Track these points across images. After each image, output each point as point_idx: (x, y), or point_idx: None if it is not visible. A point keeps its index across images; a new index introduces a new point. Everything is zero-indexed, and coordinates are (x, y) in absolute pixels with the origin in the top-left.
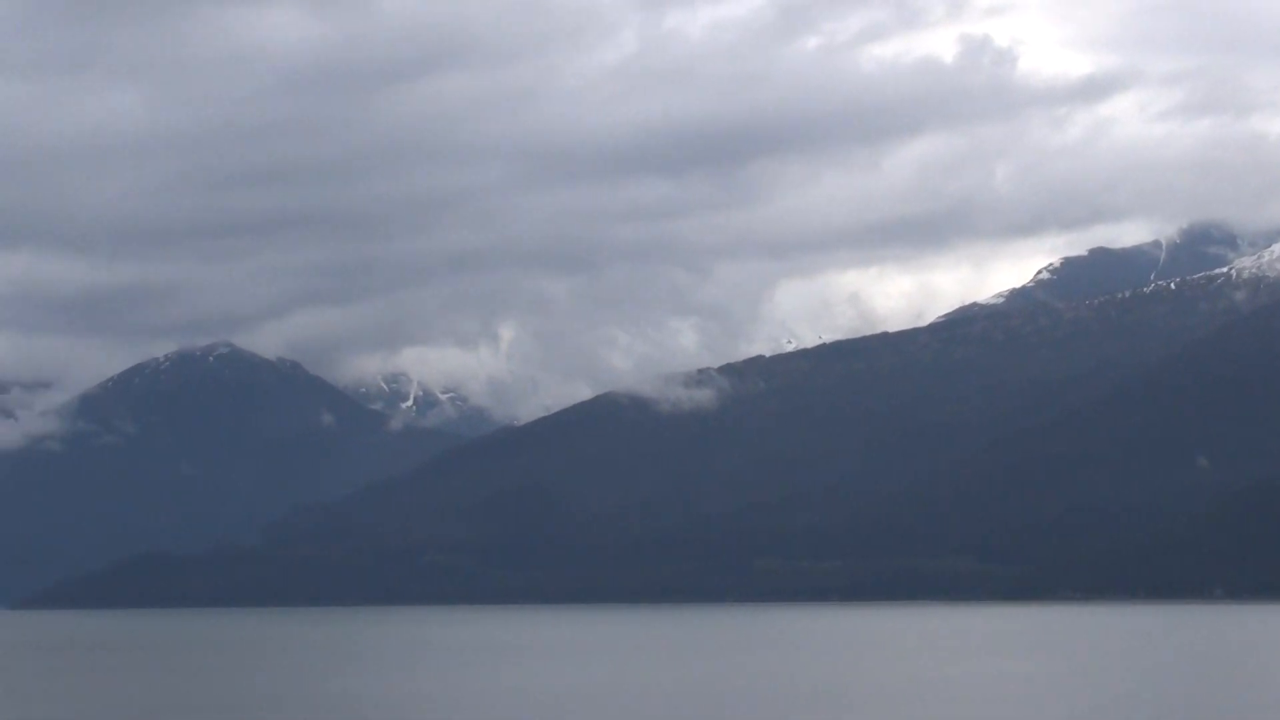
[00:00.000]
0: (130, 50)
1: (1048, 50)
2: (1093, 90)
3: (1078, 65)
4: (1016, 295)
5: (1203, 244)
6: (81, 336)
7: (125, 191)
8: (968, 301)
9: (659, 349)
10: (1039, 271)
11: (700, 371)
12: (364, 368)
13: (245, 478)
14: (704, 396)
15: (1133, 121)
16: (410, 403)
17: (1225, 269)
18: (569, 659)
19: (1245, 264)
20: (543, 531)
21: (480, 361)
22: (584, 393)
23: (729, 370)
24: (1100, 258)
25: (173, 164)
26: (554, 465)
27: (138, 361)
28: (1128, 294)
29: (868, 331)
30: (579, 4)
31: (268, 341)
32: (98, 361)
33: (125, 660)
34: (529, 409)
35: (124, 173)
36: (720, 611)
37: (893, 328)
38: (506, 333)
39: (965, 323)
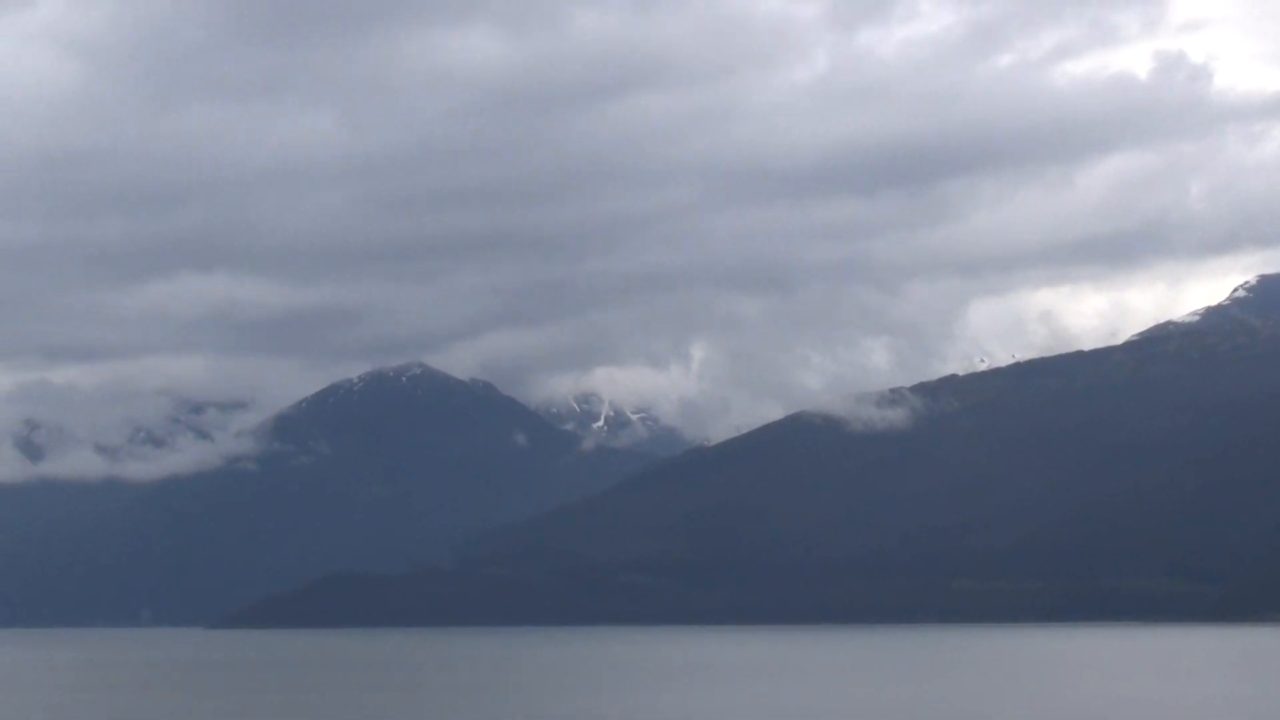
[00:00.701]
0: (325, 73)
1: (1243, 65)
2: None
3: (1274, 80)
4: (1212, 313)
5: None
6: (276, 358)
7: (320, 213)
8: (1162, 320)
9: (851, 368)
10: (1235, 289)
11: (893, 391)
12: (556, 388)
13: (437, 498)
14: (897, 416)
15: None
16: (601, 423)
17: None
18: (792, 679)
19: None
20: (735, 552)
21: (672, 381)
22: (775, 412)
23: (922, 389)
24: None
25: (367, 186)
26: (746, 485)
27: (332, 382)
28: None
29: (1061, 350)
30: (771, 24)
31: (460, 362)
32: (292, 382)
33: (345, 679)
34: (720, 429)
35: (319, 195)
36: (915, 632)
37: (1086, 346)
38: (698, 352)
39: (1160, 341)
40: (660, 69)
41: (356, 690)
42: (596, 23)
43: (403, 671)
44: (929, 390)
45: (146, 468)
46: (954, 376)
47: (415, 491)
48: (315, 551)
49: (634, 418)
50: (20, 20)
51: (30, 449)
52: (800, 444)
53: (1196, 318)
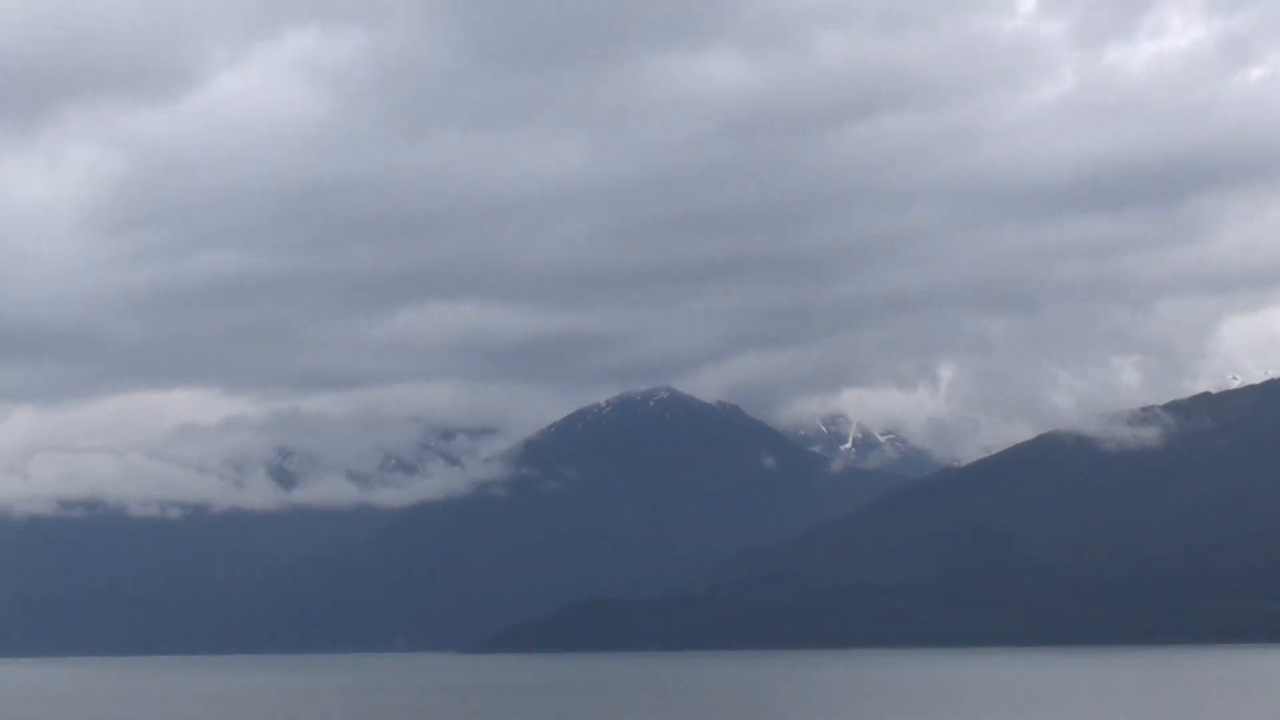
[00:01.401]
0: (572, 100)
1: None
2: None
3: None
4: None
5: None
6: (525, 384)
7: (567, 240)
8: None
9: (1101, 387)
10: None
11: (1144, 409)
12: (803, 410)
13: (686, 522)
14: (1149, 435)
15: None
16: (849, 444)
17: None
18: (1060, 702)
19: None
20: (989, 573)
21: (919, 402)
22: (1025, 433)
23: (1174, 408)
24: None
25: (614, 211)
26: (998, 506)
27: (580, 407)
28: None
29: None
30: (1017, 42)
31: (707, 385)
32: (541, 408)
33: (607, 703)
34: (969, 449)
35: (566, 221)
36: (1171, 653)
37: None
38: (946, 373)
39: None
40: (906, 89)
41: (619, 714)
42: (841, 44)
43: (661, 696)
44: (1182, 408)
45: (397, 494)
46: (1207, 394)
47: (664, 515)
48: (565, 576)
49: (882, 439)
50: (270, 53)
51: (283, 477)
52: (1051, 464)
53: None
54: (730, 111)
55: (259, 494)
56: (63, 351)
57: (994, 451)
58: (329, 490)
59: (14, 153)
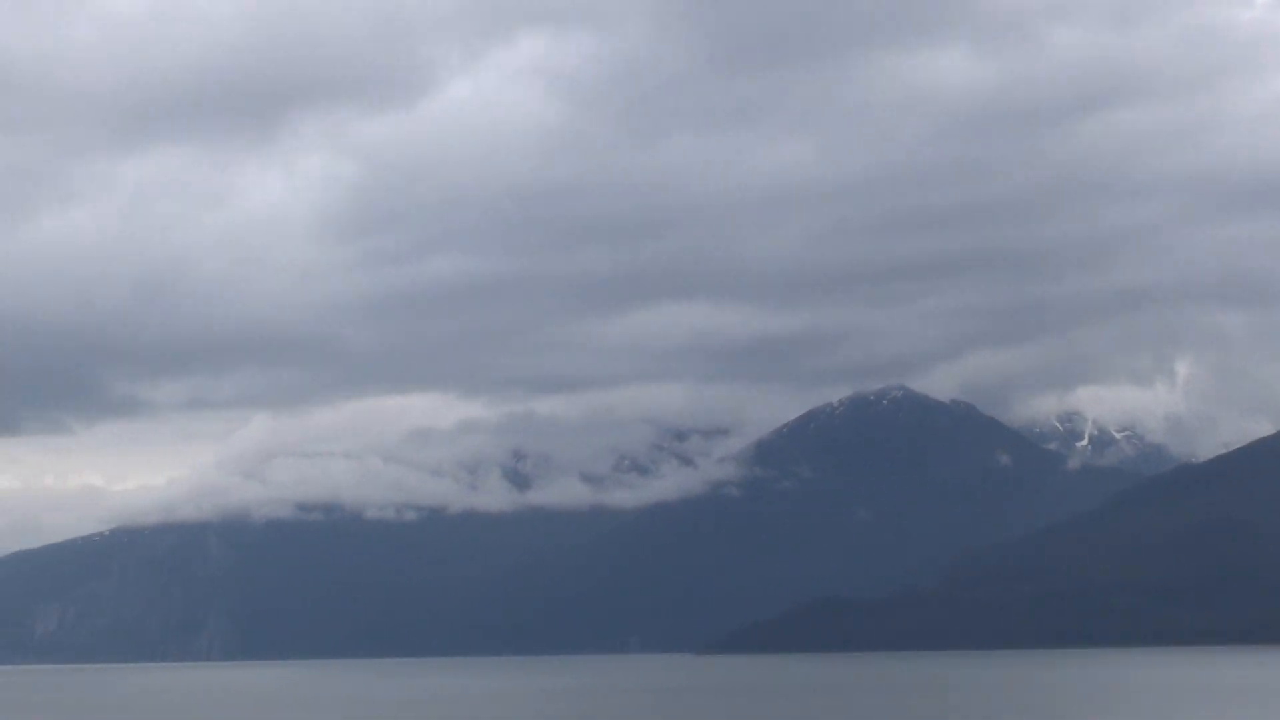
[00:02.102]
0: (803, 100)
1: None
2: None
3: None
4: None
5: None
6: (757, 384)
7: (798, 239)
8: None
9: None
10: None
11: None
12: (1038, 407)
13: (921, 521)
14: None
15: None
16: (1085, 441)
17: None
18: None
19: None
20: (1228, 571)
21: (1157, 398)
22: (1265, 428)
23: None
24: None
25: (845, 210)
26: (1238, 502)
27: (812, 407)
28: None
29: None
30: (1253, 33)
31: (941, 383)
32: (773, 408)
33: (858, 704)
34: (1208, 445)
35: (797, 220)
36: None
37: None
38: (1183, 368)
39: None
40: (1140, 82)
41: (855, 716)
42: (1074, 38)
43: (896, 696)
44: None
45: (631, 495)
46: None
47: (898, 514)
48: (799, 576)
49: (1118, 436)
50: (503, 58)
51: (518, 479)
52: None
53: None
54: (961, 108)
55: (493, 496)
56: (299, 357)
57: (1233, 447)
58: (563, 492)
59: (249, 160)
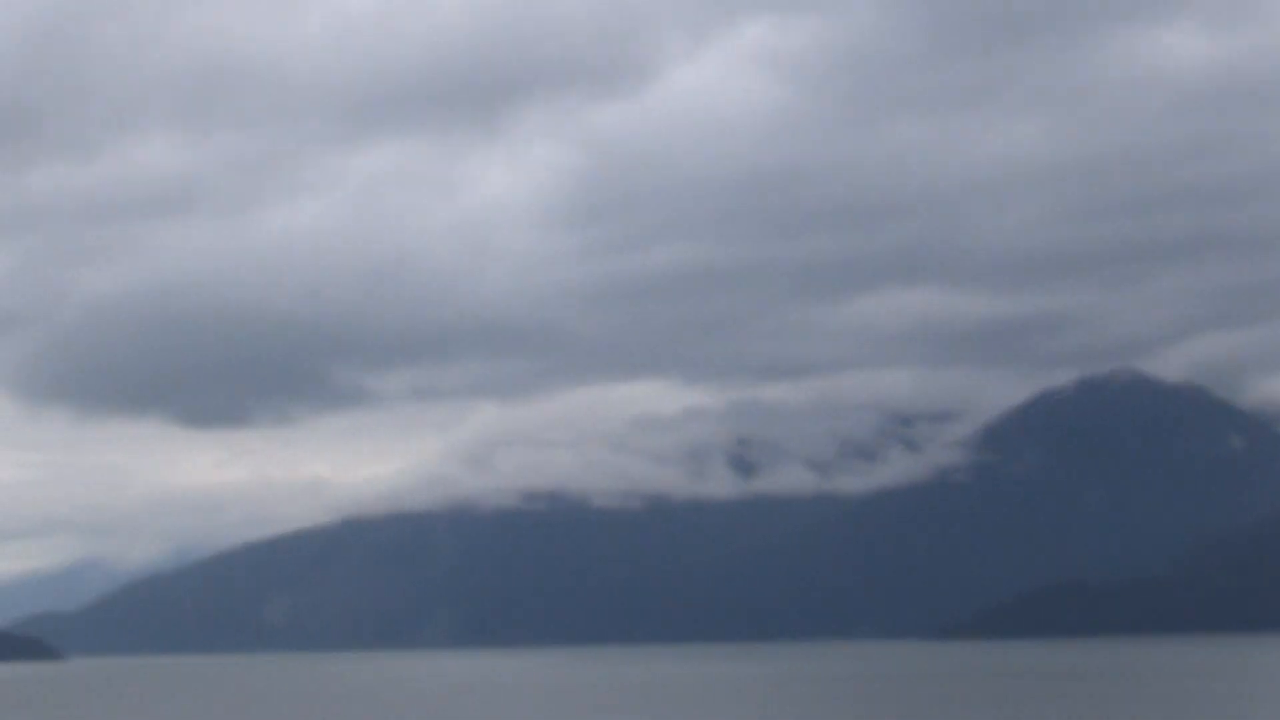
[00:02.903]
0: (1030, 80)
1: None
2: None
3: None
4: None
5: None
6: (984, 368)
7: (1026, 222)
8: None
9: None
10: None
11: None
12: (1272, 389)
13: (1151, 504)
14: None
15: None
16: None
17: None
18: None
19: None
20: None
21: None
22: None
23: None
24: None
25: (1074, 191)
26: None
27: (1040, 390)
28: None
29: None
30: None
31: (1171, 366)
32: (1000, 392)
33: (1104, 690)
34: None
35: (1025, 203)
36: None
37: None
38: None
39: None
40: None
41: (1096, 702)
42: None
43: (1134, 683)
44: None
45: (857, 481)
46: None
47: (1128, 498)
48: (1028, 561)
49: None
50: (727, 44)
51: (743, 466)
52: None
53: None
54: (1192, 85)
55: (718, 483)
56: (524, 346)
57: None
58: (788, 478)
59: (476, 151)
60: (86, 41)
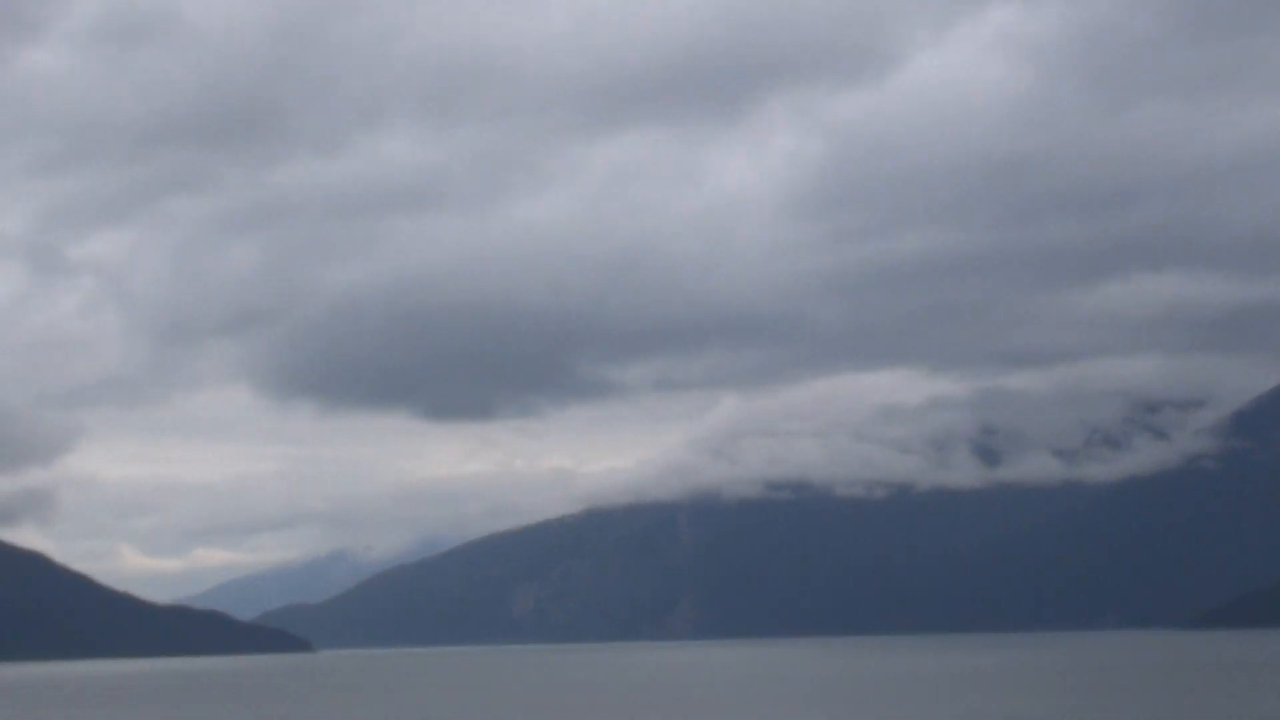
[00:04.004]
0: (1276, 62)
1: None
2: None
3: None
4: None
5: None
6: (1232, 354)
7: (1275, 205)
8: None
9: None
10: None
11: None
12: None
13: None
14: None
15: None
16: None
17: None
18: None
19: None
20: None
21: None
22: None
23: None
24: None
25: None
26: None
27: None
28: None
29: None
30: None
31: None
32: (1250, 378)
33: None
34: None
35: (1273, 186)
36: None
37: None
38: None
39: None
40: None
41: None
42: None
43: None
44: None
45: (1103, 469)
46: None
47: None
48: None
49: None
50: (971, 30)
51: (987, 455)
52: None
53: None
54: None
55: (962, 472)
56: (767, 336)
57: None
58: (1033, 467)
59: (718, 141)
60: (332, 37)
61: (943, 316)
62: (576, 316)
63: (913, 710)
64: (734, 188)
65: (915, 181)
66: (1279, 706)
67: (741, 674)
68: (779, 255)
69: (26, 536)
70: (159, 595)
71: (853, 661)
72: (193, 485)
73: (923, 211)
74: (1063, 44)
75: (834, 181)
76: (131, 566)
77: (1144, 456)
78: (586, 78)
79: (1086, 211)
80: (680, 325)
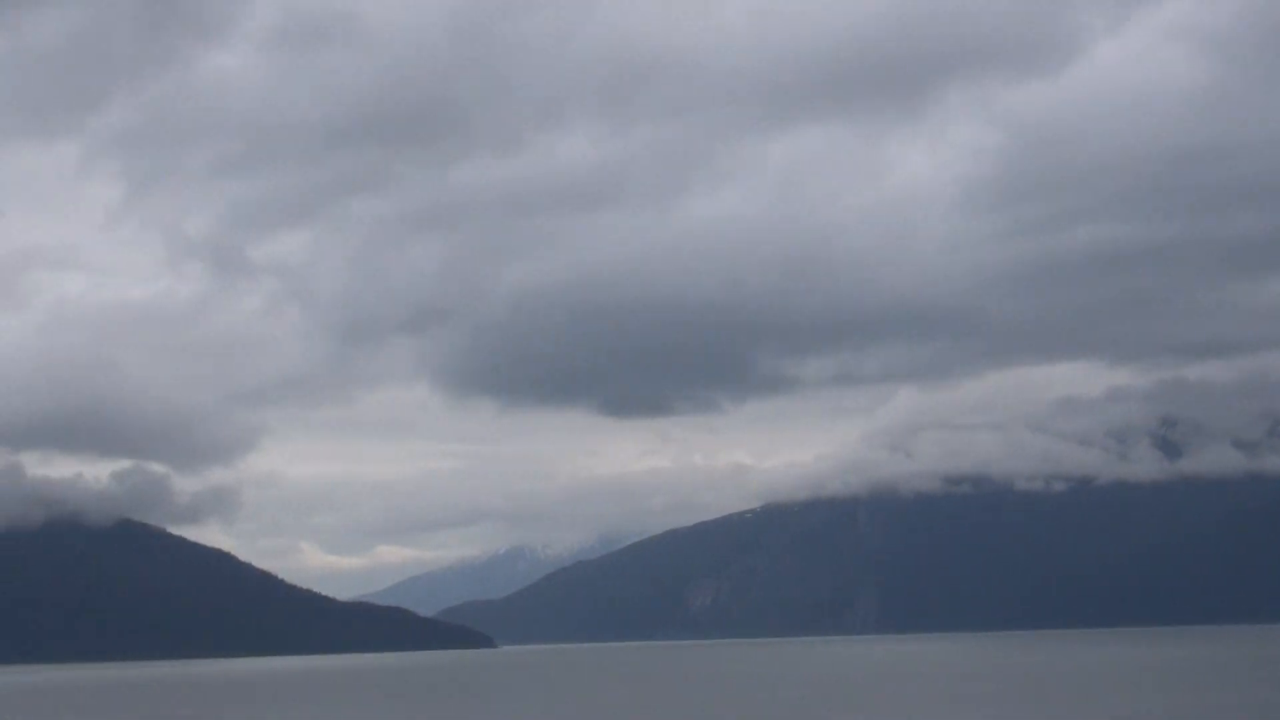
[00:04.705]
0: None
1: None
2: None
3: None
4: None
5: None
6: None
7: None
8: None
9: None
10: None
11: None
12: None
13: None
14: None
15: None
16: None
17: None
18: None
19: None
20: None
21: None
22: None
23: None
24: None
25: None
26: None
27: None
28: None
29: None
30: None
31: None
32: None
33: None
34: None
35: None
36: None
37: None
38: None
39: None
40: None
41: None
42: None
43: None
44: None
45: None
46: None
47: None
48: None
49: None
50: (1149, 19)
51: (1167, 447)
52: None
53: None
54: None
55: (1143, 465)
56: (945, 329)
57: None
58: (1215, 459)
59: (896, 134)
60: (509, 36)
61: (1122, 308)
62: (755, 311)
63: (1107, 705)
64: (912, 181)
65: (1094, 172)
66: None
67: (928, 668)
68: (957, 248)
69: (211, 535)
70: (341, 592)
71: (1036, 655)
72: (374, 483)
73: (1101, 202)
74: (1241, 32)
75: (1013, 173)
76: (314, 564)
77: None
78: (763, 72)
79: (1267, 201)
80: (858, 319)
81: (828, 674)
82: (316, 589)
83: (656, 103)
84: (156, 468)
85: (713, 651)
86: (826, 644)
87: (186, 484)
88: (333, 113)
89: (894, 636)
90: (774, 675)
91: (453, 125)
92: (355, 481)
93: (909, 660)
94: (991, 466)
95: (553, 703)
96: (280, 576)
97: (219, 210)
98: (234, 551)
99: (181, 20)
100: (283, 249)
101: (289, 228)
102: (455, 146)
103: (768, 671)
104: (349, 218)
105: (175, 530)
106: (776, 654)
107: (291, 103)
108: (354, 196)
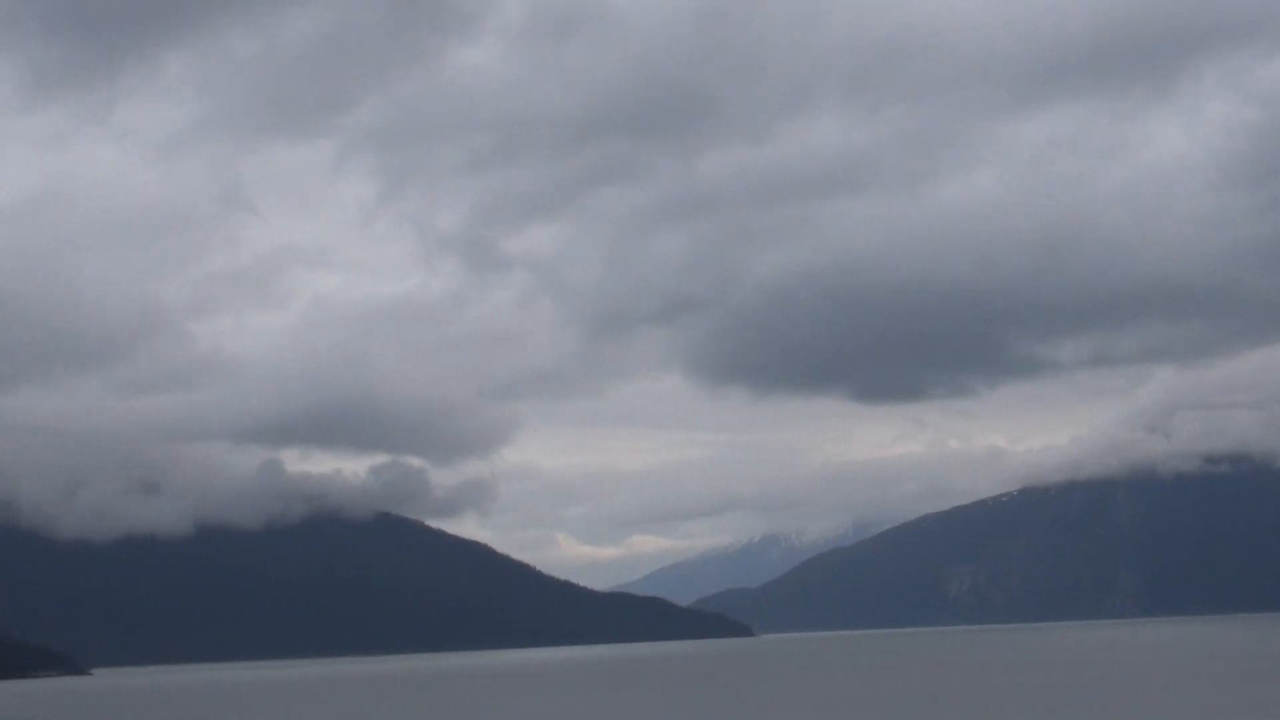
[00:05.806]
0: None
1: None
2: None
3: None
4: None
5: None
6: None
7: None
8: None
9: None
10: None
11: None
12: None
13: None
14: None
15: None
16: None
17: None
18: None
19: None
20: None
21: None
22: None
23: None
24: None
25: None
26: None
27: None
28: None
29: None
30: None
31: None
32: None
33: None
34: None
35: None
36: None
37: None
38: None
39: None
40: None
41: None
42: None
43: None
44: None
45: None
46: None
47: None
48: None
49: None
50: None
51: None
52: None
53: None
54: None
55: None
56: (1202, 308)
57: None
58: None
59: (1149, 111)
60: (757, 23)
61: None
62: (1007, 294)
63: None
64: (1166, 158)
65: None
66: None
67: (1196, 654)
68: (1214, 225)
69: (468, 528)
70: (597, 583)
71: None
72: (627, 473)
73: None
74: None
75: (1269, 149)
76: (569, 555)
77: None
78: (1011, 53)
79: None
80: (1113, 299)
81: (1089, 660)
82: (573, 580)
83: (905, 85)
84: (413, 462)
85: (977, 637)
86: (1085, 629)
87: (443, 477)
88: (582, 105)
89: (1157, 619)
90: (1054, 660)
91: (702, 114)
92: (608, 472)
93: (1189, 644)
94: (1251, 445)
95: (842, 693)
96: (536, 567)
97: (471, 205)
98: (490, 543)
99: (430, 18)
100: (534, 242)
101: (540, 221)
102: (704, 135)
103: (1025, 657)
104: (599, 209)
105: (433, 523)
106: (1032, 639)
107: (541, 96)
108: (604, 188)
